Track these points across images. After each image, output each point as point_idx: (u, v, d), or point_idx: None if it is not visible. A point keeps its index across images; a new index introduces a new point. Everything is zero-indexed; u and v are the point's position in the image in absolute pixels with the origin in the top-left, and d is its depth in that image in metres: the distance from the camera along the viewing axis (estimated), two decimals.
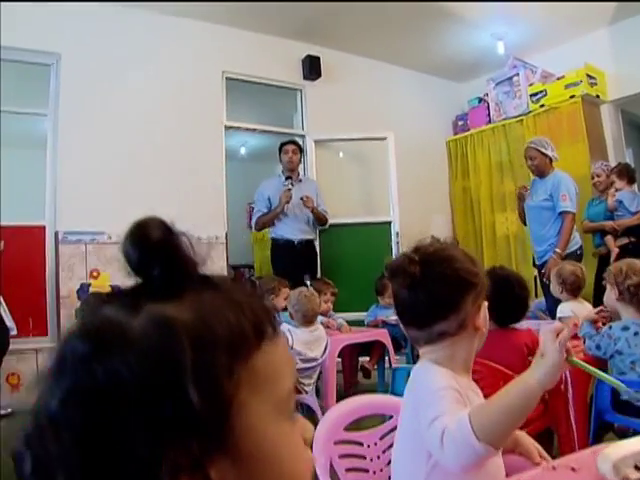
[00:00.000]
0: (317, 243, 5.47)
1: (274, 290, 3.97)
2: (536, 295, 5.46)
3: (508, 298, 2.34)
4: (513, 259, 5.99)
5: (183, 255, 0.55)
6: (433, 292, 1.20)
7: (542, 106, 5.77)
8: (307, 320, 3.26)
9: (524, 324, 2.69)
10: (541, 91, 5.78)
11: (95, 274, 4.72)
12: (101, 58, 4.87)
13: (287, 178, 5.08)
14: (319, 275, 5.18)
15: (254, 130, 5.91)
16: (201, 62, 5.35)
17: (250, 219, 9.10)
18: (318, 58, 5.84)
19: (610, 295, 2.54)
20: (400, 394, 2.78)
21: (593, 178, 4.95)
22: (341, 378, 4.36)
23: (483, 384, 2.14)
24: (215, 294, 0.52)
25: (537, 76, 5.89)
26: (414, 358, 4.56)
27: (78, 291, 4.64)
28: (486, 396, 1.22)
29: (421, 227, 6.29)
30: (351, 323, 4.46)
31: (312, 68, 5.78)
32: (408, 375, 2.81)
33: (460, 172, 6.70)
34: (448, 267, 1.21)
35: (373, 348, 4.17)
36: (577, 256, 4.31)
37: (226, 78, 5.50)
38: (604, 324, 2.60)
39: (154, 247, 0.52)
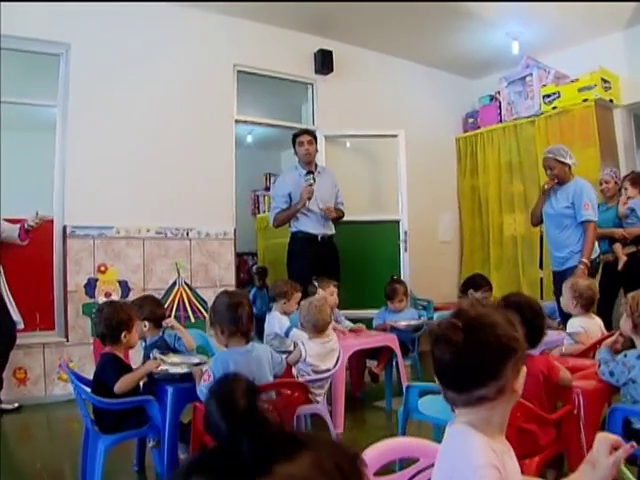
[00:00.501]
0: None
1: (286, 294, 4.00)
2: (541, 297, 5.53)
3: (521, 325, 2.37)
4: (520, 260, 6.01)
5: (270, 424, 0.54)
6: (476, 360, 1.21)
7: (554, 108, 5.74)
8: (318, 330, 3.28)
9: None
10: (554, 93, 5.74)
11: (103, 269, 4.73)
12: (111, 49, 4.81)
13: (308, 173, 4.89)
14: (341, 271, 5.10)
15: (263, 124, 5.86)
16: (212, 54, 5.30)
17: (255, 206, 9.20)
18: (330, 52, 5.78)
19: (626, 324, 2.56)
20: (414, 410, 2.85)
21: (601, 184, 4.95)
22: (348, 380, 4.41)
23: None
24: (304, 462, 0.52)
25: (550, 77, 5.85)
26: (421, 363, 4.64)
27: (86, 285, 4.65)
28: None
29: (429, 226, 6.35)
30: (358, 321, 4.53)
31: (324, 62, 5.72)
32: (421, 393, 2.88)
33: (469, 170, 6.69)
34: (491, 334, 1.22)
35: (381, 352, 4.21)
36: (596, 264, 4.33)
37: (237, 71, 5.44)
38: (621, 350, 2.63)
39: (243, 418, 0.53)
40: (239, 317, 2.54)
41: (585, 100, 5.52)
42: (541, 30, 5.70)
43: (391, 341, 4.12)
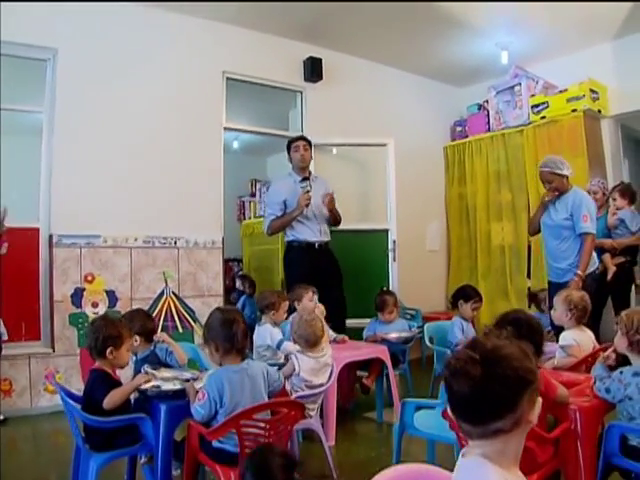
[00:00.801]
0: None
1: (274, 305, 3.96)
2: (529, 307, 5.53)
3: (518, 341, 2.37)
4: (507, 269, 6.03)
5: None
6: (494, 393, 1.19)
7: (543, 118, 5.77)
8: (310, 345, 3.24)
9: None
10: (543, 103, 5.77)
11: (90, 278, 4.65)
12: (99, 54, 4.75)
13: (303, 179, 4.84)
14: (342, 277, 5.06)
15: (253, 132, 5.81)
16: (201, 61, 5.25)
17: (241, 212, 9.14)
18: (320, 60, 5.75)
19: (620, 341, 2.56)
20: (409, 426, 2.83)
21: (589, 195, 4.97)
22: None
23: None
24: None
25: (539, 87, 5.89)
26: (411, 374, 4.63)
27: (72, 295, 4.57)
28: None
29: (416, 235, 6.35)
30: (344, 331, 4.51)
31: (314, 70, 5.70)
32: (416, 408, 2.86)
33: (457, 179, 6.70)
34: (508, 367, 1.21)
35: (372, 364, 4.19)
36: (596, 276, 4.29)
37: (226, 78, 5.39)
38: (615, 367, 2.63)
39: None
40: (234, 334, 2.50)
41: (574, 110, 5.55)
42: (530, 40, 5.74)
43: (382, 352, 4.10)
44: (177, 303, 4.99)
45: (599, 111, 5.64)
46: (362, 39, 5.75)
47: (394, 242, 5.69)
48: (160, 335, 3.23)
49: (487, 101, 6.40)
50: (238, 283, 7.16)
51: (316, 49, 5.82)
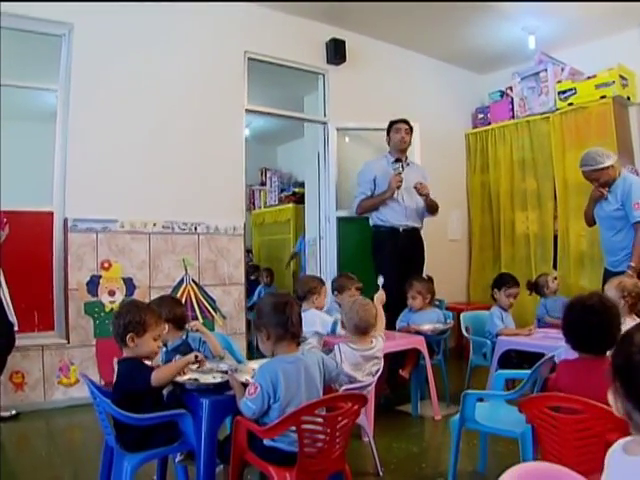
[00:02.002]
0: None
1: (316, 289, 3.65)
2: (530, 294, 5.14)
3: (585, 327, 2.09)
4: (532, 259, 5.73)
5: None
6: None
7: (570, 104, 5.47)
8: (360, 332, 2.93)
9: None
10: (570, 89, 5.46)
11: (106, 265, 4.31)
12: (117, 31, 4.39)
13: (396, 160, 4.59)
14: (425, 265, 4.82)
15: (273, 115, 5.46)
16: (223, 40, 4.89)
17: (251, 202, 8.80)
18: (343, 42, 5.41)
19: None
20: (470, 420, 2.52)
21: None
22: None
23: (596, 430, 1.87)
24: None
25: (565, 73, 5.58)
26: (446, 365, 4.31)
27: (88, 283, 4.23)
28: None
29: (437, 223, 6.01)
30: None
31: (337, 52, 5.35)
32: (478, 400, 2.55)
33: (479, 166, 6.37)
34: None
35: (407, 355, 3.87)
36: None
37: (248, 58, 5.04)
38: None
39: None
40: (287, 318, 2.17)
41: (603, 97, 5.25)
42: (556, 26, 5.44)
43: (419, 343, 3.78)
44: (197, 292, 4.64)
45: (628, 98, 5.34)
46: (385, 22, 5.41)
47: None
48: (194, 324, 2.90)
49: (510, 88, 6.09)
50: (263, 274, 6.83)
51: (339, 31, 5.47)
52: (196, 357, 2.45)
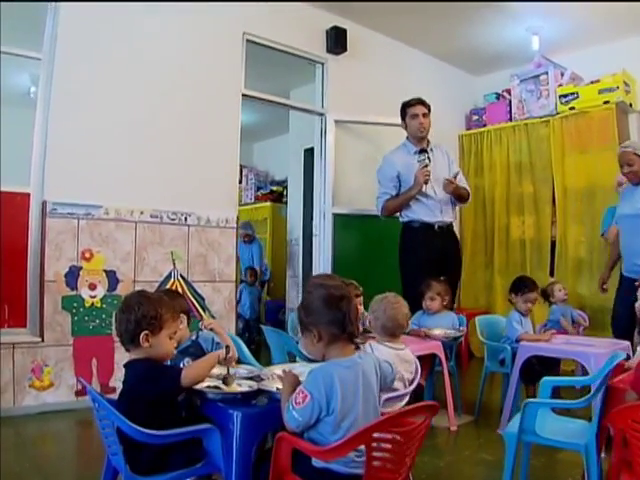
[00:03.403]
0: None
1: None
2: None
3: None
4: (528, 265, 5.47)
5: None
6: None
7: (572, 109, 5.25)
8: (389, 333, 2.55)
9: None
10: (572, 93, 5.25)
11: (87, 255, 3.80)
12: (108, 3, 3.89)
13: (421, 151, 4.06)
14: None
15: (271, 102, 5.01)
16: (221, 18, 4.44)
17: None
18: (345, 30, 5.04)
19: None
20: (530, 433, 2.18)
21: (621, 185, 4.39)
22: None
23: None
24: None
25: (566, 78, 5.38)
26: (459, 371, 3.98)
27: (67, 275, 3.72)
28: None
29: None
30: None
31: (338, 40, 4.97)
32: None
33: (473, 168, 6.06)
34: None
35: (422, 361, 3.50)
36: None
37: (247, 40, 4.61)
38: None
39: None
40: (344, 314, 1.76)
41: (606, 102, 5.05)
42: (559, 28, 5.25)
43: (437, 348, 3.43)
44: (185, 288, 4.17)
45: (630, 105, 5.17)
46: (388, 14, 5.06)
47: None
48: (209, 322, 2.46)
49: (507, 90, 5.85)
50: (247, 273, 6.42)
51: (340, 20, 5.10)
52: (227, 350, 2.02)
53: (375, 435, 1.60)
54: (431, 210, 4.07)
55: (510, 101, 5.78)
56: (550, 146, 5.38)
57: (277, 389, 1.92)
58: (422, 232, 4.07)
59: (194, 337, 2.45)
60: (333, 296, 1.81)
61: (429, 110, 4.20)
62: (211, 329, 2.41)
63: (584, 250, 5.13)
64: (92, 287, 3.80)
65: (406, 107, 4.21)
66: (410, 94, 5.60)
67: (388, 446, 1.66)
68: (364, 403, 1.75)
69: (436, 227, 4.08)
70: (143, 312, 1.88)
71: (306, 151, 6.57)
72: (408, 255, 4.13)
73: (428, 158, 4.03)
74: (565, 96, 5.30)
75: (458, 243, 4.30)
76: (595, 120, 5.13)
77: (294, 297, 6.64)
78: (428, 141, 4.24)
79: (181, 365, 2.11)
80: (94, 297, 3.80)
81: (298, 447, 1.72)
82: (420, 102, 4.18)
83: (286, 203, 7.54)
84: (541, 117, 5.50)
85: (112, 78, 3.93)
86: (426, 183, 3.99)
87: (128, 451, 1.80)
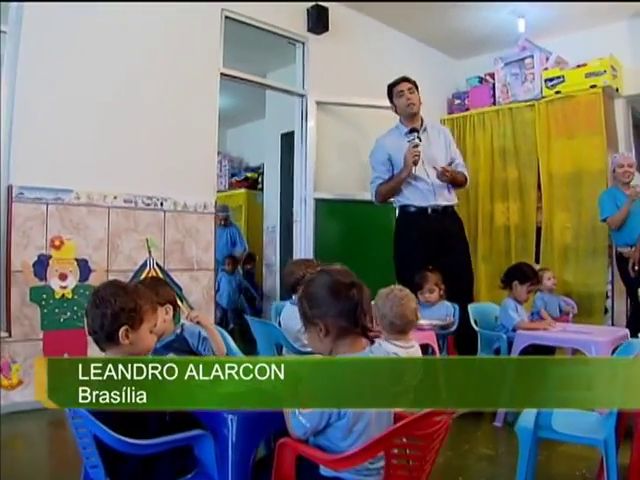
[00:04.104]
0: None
1: (303, 279, 2.97)
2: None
3: None
4: (513, 251, 5.34)
5: None
6: None
7: (558, 93, 5.12)
8: (397, 331, 2.35)
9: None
10: (558, 77, 5.11)
11: (57, 243, 3.52)
12: None
13: (411, 131, 3.85)
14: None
15: (250, 82, 4.75)
16: None
17: None
18: (326, 9, 4.80)
19: None
20: (546, 429, 2.00)
21: (622, 167, 4.32)
22: None
23: None
24: None
25: (551, 62, 5.24)
26: None
27: (35, 264, 3.43)
28: None
29: None
30: None
31: (319, 19, 4.72)
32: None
33: None
34: None
35: None
36: None
37: (225, 17, 4.34)
38: None
39: None
40: (356, 305, 1.55)
41: (593, 86, 4.93)
42: (544, 11, 5.08)
43: (430, 338, 3.26)
44: (162, 278, 3.91)
45: (617, 90, 5.06)
46: None
47: None
48: (195, 315, 2.22)
49: (490, 74, 5.69)
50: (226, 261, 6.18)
51: None
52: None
53: (396, 440, 1.42)
54: (423, 194, 3.88)
55: (494, 85, 5.61)
56: (535, 131, 5.24)
57: None
58: (415, 216, 3.90)
59: (179, 331, 2.23)
60: (341, 283, 1.60)
61: (416, 87, 4.03)
62: (197, 322, 2.18)
63: (570, 236, 5.02)
64: (62, 277, 3.52)
65: (391, 88, 4.05)
66: (391, 77, 5.43)
67: (409, 451, 1.47)
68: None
69: (429, 211, 3.89)
70: (121, 305, 1.64)
71: (283, 136, 6.35)
72: (400, 240, 3.97)
73: (418, 138, 3.82)
74: (551, 80, 5.17)
75: (460, 226, 4.09)
76: (582, 104, 5.00)
77: (271, 286, 6.44)
78: (422, 120, 4.05)
79: None
80: (65, 288, 3.52)
81: (306, 455, 1.52)
82: (404, 79, 4.04)
83: (262, 190, 7.31)
84: (526, 101, 5.35)
85: (82, 54, 3.63)
86: (415, 164, 3.79)
87: (108, 462, 1.57)
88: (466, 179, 4.11)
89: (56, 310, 3.47)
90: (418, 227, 3.86)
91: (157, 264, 3.94)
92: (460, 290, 3.81)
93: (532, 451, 2.37)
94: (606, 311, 4.78)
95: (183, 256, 4.07)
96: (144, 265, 3.88)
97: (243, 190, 8.07)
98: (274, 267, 6.40)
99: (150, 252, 3.90)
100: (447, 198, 3.97)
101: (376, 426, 1.53)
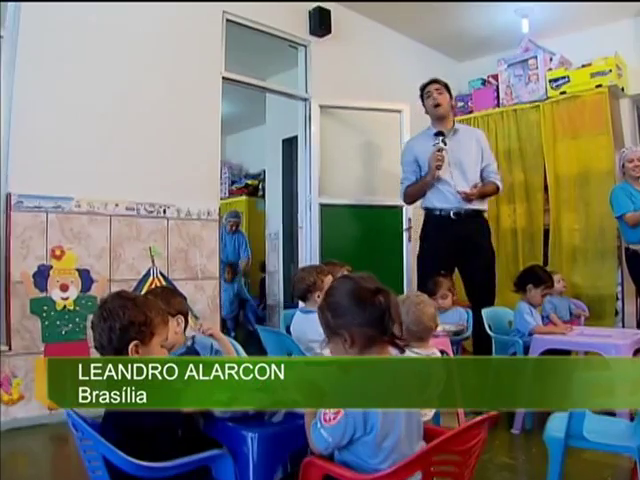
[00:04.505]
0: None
1: (316, 285, 2.88)
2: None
3: None
4: (520, 254, 5.24)
5: None
6: None
7: (563, 93, 5.04)
8: (415, 337, 2.25)
9: None
10: (563, 77, 5.03)
11: (58, 253, 3.41)
12: None
13: (437, 134, 3.77)
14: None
15: (253, 86, 4.66)
16: None
17: None
18: (329, 11, 4.72)
19: None
20: (579, 438, 1.87)
21: (632, 162, 4.21)
22: None
23: None
24: None
25: (555, 62, 5.16)
26: None
27: (35, 275, 3.32)
28: None
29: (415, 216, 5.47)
30: None
31: (322, 22, 4.64)
32: None
33: None
34: None
35: None
36: None
37: (226, 20, 4.25)
38: None
39: None
40: (383, 312, 1.45)
41: (599, 86, 4.85)
42: (547, 13, 5.03)
43: (444, 344, 3.15)
44: (173, 286, 3.80)
45: (622, 89, 4.99)
46: None
47: (409, 220, 4.79)
48: (207, 327, 2.12)
49: (493, 76, 5.61)
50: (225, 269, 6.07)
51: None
52: None
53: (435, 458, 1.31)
54: (447, 197, 3.79)
55: (497, 87, 5.53)
56: (541, 132, 5.15)
57: None
58: (438, 220, 3.83)
59: (189, 343, 2.12)
60: (365, 290, 1.49)
61: (447, 88, 3.96)
62: (210, 335, 2.08)
63: (578, 238, 4.92)
64: (64, 288, 3.41)
65: (422, 90, 4.00)
66: (392, 80, 5.37)
67: (446, 468, 1.37)
68: (407, 417, 1.45)
69: (452, 215, 3.80)
70: (130, 318, 1.54)
71: (285, 141, 6.27)
72: (422, 243, 3.94)
73: (444, 141, 3.72)
74: (556, 80, 5.08)
75: (485, 231, 4.01)
76: (587, 104, 4.91)
77: (275, 293, 6.35)
78: (454, 122, 4.01)
79: None
80: (66, 299, 3.41)
81: (334, 474, 1.41)
82: (433, 81, 3.97)
83: (263, 197, 7.23)
84: (531, 102, 5.25)
85: (82, 59, 3.54)
86: (438, 168, 3.71)
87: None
88: (498, 188, 4.03)
89: (57, 322, 3.36)
90: (440, 230, 3.80)
91: (161, 273, 3.83)
92: (479, 297, 3.73)
93: (563, 460, 2.28)
94: (616, 313, 4.68)
95: (187, 265, 3.97)
96: (147, 274, 3.78)
97: (244, 197, 7.98)
98: (277, 274, 6.31)
99: (153, 261, 3.80)
100: (473, 203, 3.87)
101: (407, 442, 1.43)
